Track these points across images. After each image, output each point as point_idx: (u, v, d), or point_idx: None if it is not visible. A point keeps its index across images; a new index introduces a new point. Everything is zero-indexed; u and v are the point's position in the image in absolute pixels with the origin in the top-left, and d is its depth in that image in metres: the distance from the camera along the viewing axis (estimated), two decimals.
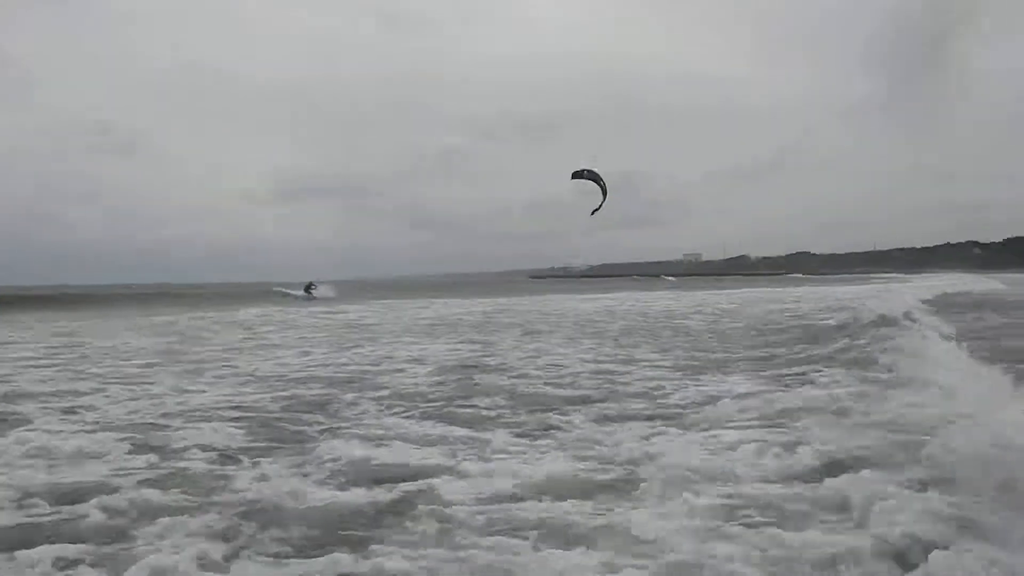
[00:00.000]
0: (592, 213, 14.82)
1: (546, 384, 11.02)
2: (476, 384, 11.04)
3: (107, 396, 10.41)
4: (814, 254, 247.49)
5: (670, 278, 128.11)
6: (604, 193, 14.68)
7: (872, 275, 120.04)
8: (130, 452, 7.01)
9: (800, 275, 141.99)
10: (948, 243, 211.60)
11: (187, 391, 10.82)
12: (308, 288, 55.98)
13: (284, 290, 56.40)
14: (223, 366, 13.87)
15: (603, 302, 40.35)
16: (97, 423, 8.44)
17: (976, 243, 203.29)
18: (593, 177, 14.57)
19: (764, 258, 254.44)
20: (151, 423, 8.44)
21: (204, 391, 10.84)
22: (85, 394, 10.61)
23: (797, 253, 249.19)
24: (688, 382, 10.84)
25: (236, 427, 8.16)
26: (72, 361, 14.85)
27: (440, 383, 11.22)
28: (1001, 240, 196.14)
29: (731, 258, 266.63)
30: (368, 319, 28.60)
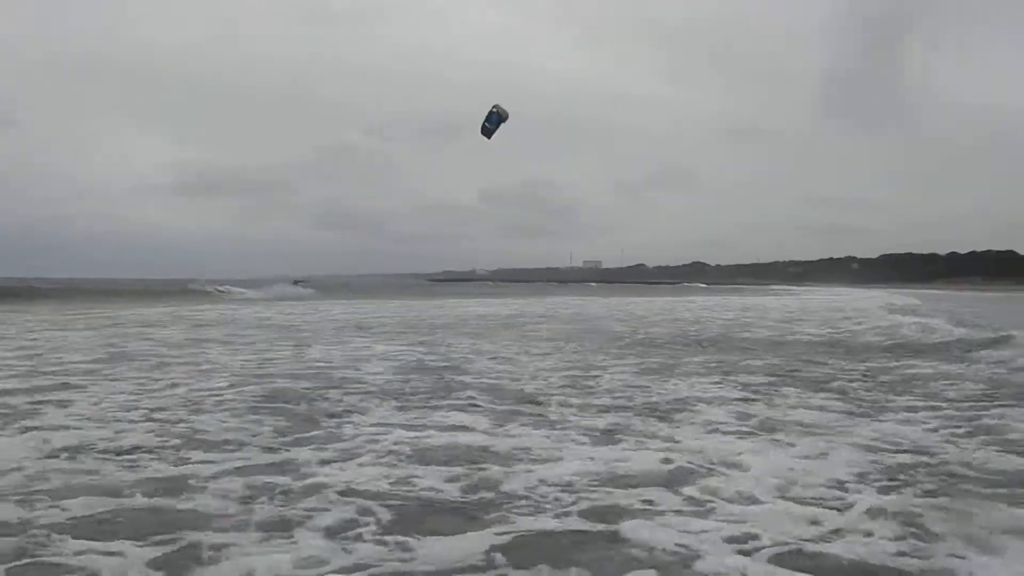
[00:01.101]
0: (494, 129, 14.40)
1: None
2: (456, 381, 11.27)
3: (85, 392, 10.01)
4: (708, 264, 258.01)
5: (592, 284, 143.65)
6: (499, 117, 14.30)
7: (767, 286, 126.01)
8: (178, 447, 6.80)
9: (703, 284, 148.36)
10: (831, 258, 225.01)
11: (159, 386, 10.55)
12: (296, 283, 69.66)
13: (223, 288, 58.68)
14: (182, 362, 13.50)
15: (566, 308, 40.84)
16: (113, 418, 8.12)
17: (854, 258, 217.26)
18: (500, 119, 14.29)
19: (660, 267, 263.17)
20: (158, 418, 8.22)
21: (178, 386, 10.59)
22: (54, 390, 10.19)
23: (692, 263, 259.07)
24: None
25: (247, 417, 8.11)
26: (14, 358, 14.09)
27: (415, 380, 11.38)
28: (877, 256, 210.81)
29: (630, 266, 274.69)
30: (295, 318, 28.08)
